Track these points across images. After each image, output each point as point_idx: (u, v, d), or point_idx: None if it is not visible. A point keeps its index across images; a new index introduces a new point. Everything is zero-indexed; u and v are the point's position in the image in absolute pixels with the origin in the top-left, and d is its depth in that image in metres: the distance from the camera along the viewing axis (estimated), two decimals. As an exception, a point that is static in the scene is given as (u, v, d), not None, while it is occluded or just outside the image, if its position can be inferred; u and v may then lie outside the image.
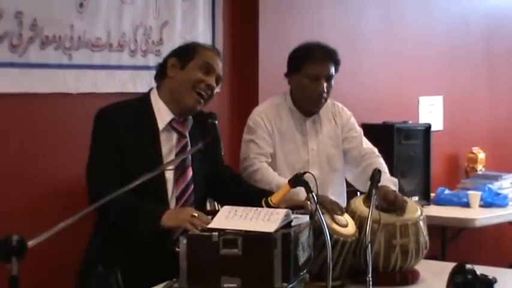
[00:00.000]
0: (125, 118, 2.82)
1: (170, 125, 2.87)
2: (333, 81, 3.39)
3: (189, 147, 2.88)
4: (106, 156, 2.78)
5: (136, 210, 2.65)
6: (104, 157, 2.78)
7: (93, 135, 2.86)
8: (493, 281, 2.34)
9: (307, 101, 3.41)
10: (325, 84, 3.34)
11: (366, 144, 3.51)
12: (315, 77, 3.33)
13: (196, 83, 2.84)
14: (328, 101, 3.49)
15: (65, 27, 3.38)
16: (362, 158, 3.44)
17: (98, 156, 2.80)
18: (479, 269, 2.39)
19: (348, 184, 3.62)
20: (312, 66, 3.34)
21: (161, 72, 2.92)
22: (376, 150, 3.49)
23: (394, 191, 3.02)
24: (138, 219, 2.65)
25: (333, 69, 3.38)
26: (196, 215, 2.52)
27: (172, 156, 2.84)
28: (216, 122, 2.75)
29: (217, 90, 4.05)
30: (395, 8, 5.21)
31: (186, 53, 2.88)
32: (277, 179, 3.17)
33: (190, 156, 2.86)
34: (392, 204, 2.85)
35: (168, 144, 2.86)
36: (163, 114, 2.86)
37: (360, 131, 3.55)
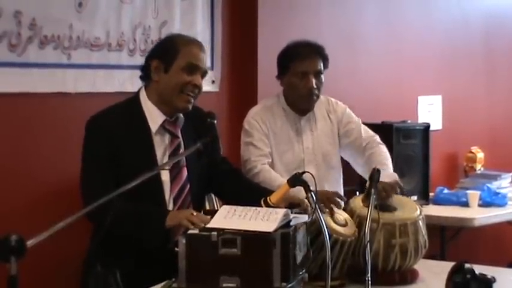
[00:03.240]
0: (117, 125, 2.78)
1: (162, 127, 2.85)
2: (322, 77, 3.40)
3: (182, 147, 2.87)
4: (100, 165, 2.74)
5: (140, 215, 2.66)
6: (97, 166, 2.75)
7: (85, 144, 2.81)
8: (492, 280, 2.34)
9: (299, 99, 3.43)
10: (314, 80, 3.36)
11: (366, 132, 3.51)
12: (303, 74, 3.36)
13: (182, 86, 2.80)
14: (322, 97, 3.51)
15: (64, 26, 3.38)
16: (364, 148, 3.45)
17: (91, 166, 2.77)
18: (478, 269, 2.39)
19: (346, 183, 3.62)
20: (298, 63, 3.37)
21: (145, 75, 2.88)
22: (377, 137, 3.50)
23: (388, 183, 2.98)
24: (144, 224, 2.65)
25: (320, 65, 3.39)
26: (195, 213, 2.53)
27: (166, 158, 2.82)
28: (215, 121, 2.74)
29: (216, 89, 4.11)
30: (394, 7, 5.21)
31: (168, 53, 2.82)
32: (280, 180, 3.17)
33: (184, 157, 2.84)
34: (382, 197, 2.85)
35: (162, 147, 2.84)
36: (154, 116, 2.83)
37: (358, 120, 3.55)
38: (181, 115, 2.89)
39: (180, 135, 2.89)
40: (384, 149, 3.44)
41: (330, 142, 3.50)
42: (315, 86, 3.37)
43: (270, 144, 3.41)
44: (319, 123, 3.50)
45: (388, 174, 3.19)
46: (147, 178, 2.36)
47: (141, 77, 2.92)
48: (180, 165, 2.86)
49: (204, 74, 2.87)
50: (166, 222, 2.60)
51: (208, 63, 3.99)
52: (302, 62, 3.37)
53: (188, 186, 2.87)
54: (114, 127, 2.78)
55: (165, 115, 2.85)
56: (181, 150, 2.86)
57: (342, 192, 3.56)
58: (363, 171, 3.45)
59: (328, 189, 3.32)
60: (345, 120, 3.52)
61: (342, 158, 3.58)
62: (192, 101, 2.84)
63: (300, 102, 3.44)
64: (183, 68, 2.80)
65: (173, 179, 2.83)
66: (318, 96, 3.43)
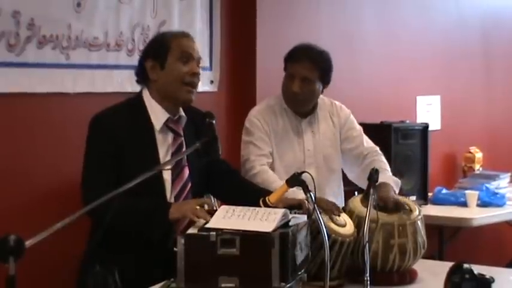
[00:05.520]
0: (121, 123, 2.80)
1: (165, 125, 2.86)
2: (312, 85, 3.33)
3: (184, 146, 2.88)
4: (102, 164, 2.75)
5: (142, 208, 2.66)
6: (99, 164, 2.76)
7: (88, 142, 2.83)
8: (491, 280, 2.35)
9: (285, 99, 3.42)
10: (299, 84, 3.32)
11: (368, 143, 3.49)
12: (291, 76, 3.35)
13: (182, 77, 2.82)
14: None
15: (63, 26, 3.38)
16: (364, 157, 3.43)
17: (93, 164, 2.77)
18: (477, 269, 2.39)
19: (346, 184, 3.61)
20: (290, 65, 3.38)
21: (142, 77, 2.90)
22: (377, 148, 3.48)
23: (389, 193, 2.99)
24: (147, 217, 2.65)
25: (312, 72, 3.32)
26: (198, 207, 2.53)
27: (169, 157, 2.83)
28: (214, 121, 2.74)
29: (214, 89, 4.11)
30: (392, 8, 5.22)
31: (160, 50, 2.84)
32: (277, 182, 3.15)
33: (185, 156, 2.85)
34: (385, 207, 2.86)
35: (165, 145, 2.86)
36: (158, 115, 2.85)
37: (360, 129, 3.53)
38: (183, 114, 2.91)
39: (182, 134, 2.90)
40: (383, 159, 3.43)
41: (332, 145, 3.48)
42: (298, 91, 3.32)
43: (271, 144, 3.39)
44: (322, 125, 3.47)
45: (388, 177, 3.19)
46: (149, 176, 2.38)
47: (138, 81, 2.94)
48: (182, 165, 2.87)
49: (198, 61, 2.89)
50: (170, 214, 2.61)
51: (207, 63, 4.01)
52: (292, 64, 3.36)
53: (189, 185, 2.88)
54: (117, 126, 2.79)
55: (168, 113, 2.86)
56: (184, 149, 2.88)
57: (342, 195, 3.56)
58: (358, 179, 3.43)
59: (328, 193, 3.34)
60: (347, 126, 3.50)
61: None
62: (194, 91, 2.85)
63: (287, 103, 3.43)
64: (178, 59, 2.82)
65: (175, 178, 2.84)
66: (304, 101, 3.39)
